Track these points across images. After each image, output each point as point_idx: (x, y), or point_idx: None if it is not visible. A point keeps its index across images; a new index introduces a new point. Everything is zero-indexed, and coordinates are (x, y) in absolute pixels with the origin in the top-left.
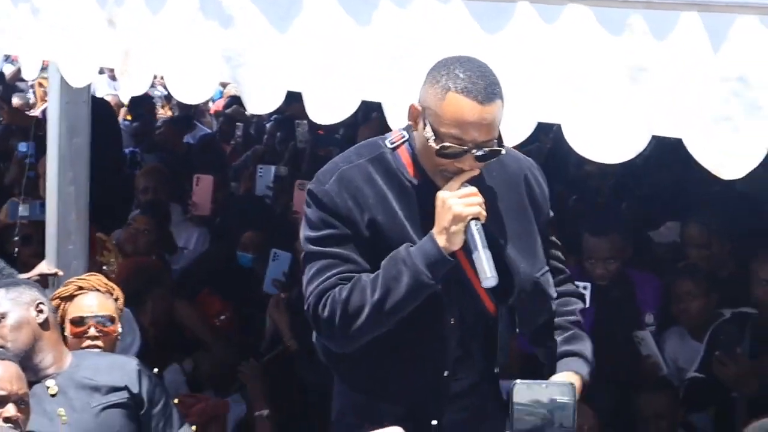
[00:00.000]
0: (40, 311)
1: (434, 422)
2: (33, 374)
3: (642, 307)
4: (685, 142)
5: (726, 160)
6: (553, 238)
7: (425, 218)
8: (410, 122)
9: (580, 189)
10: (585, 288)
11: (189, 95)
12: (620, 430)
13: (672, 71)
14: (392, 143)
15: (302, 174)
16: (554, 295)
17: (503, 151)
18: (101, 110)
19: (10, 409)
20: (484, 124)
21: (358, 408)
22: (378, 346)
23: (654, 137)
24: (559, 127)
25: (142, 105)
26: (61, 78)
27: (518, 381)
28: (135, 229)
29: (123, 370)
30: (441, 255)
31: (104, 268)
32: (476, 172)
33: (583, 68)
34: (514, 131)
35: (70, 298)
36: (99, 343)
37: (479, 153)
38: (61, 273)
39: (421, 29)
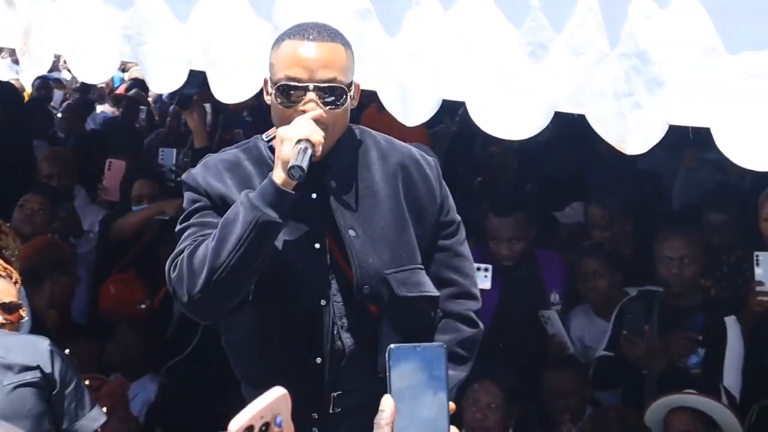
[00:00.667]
0: None
1: (314, 415)
2: None
3: (547, 286)
4: (588, 118)
5: (629, 136)
6: (453, 246)
7: None
8: (264, 100)
9: (484, 171)
10: (486, 270)
11: (91, 75)
12: (526, 409)
13: (572, 48)
14: (267, 136)
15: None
16: (429, 294)
17: (348, 91)
18: (7, 94)
19: None
20: (318, 60)
21: (250, 399)
22: (254, 333)
23: (558, 118)
24: (465, 109)
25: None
26: None
27: (392, 345)
28: (30, 209)
29: (35, 349)
30: (274, 186)
31: (3, 252)
32: (320, 112)
33: (486, 46)
34: (420, 109)
35: None
36: (5, 330)
37: (318, 87)
38: None
39: (319, 10)
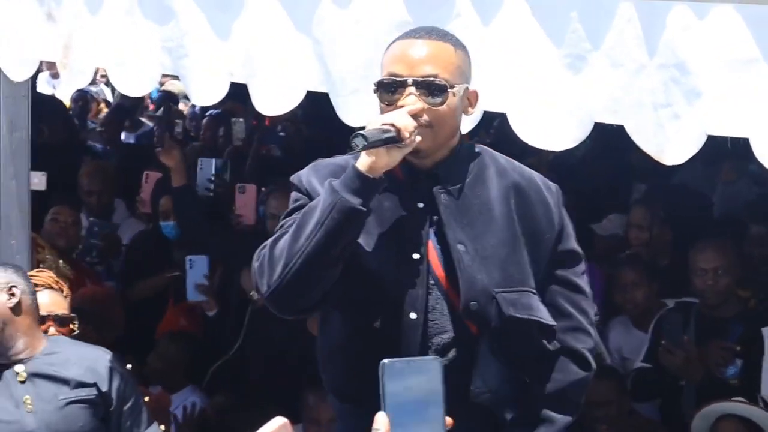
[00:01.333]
0: (12, 294)
1: None
2: (4, 358)
3: None
4: (627, 129)
5: (667, 146)
6: (571, 279)
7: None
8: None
9: None
10: None
11: (132, 87)
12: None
13: (611, 60)
14: None
15: (243, 175)
16: (541, 321)
17: (451, 88)
18: (53, 109)
19: None
20: (420, 56)
21: (336, 411)
22: (340, 341)
23: (596, 131)
24: (499, 122)
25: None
26: (1, 72)
27: (385, 359)
28: (64, 223)
29: (94, 364)
30: (355, 171)
31: (41, 265)
32: (419, 106)
33: (525, 58)
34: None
35: None
36: (67, 338)
37: (417, 82)
38: None
39: (360, 24)
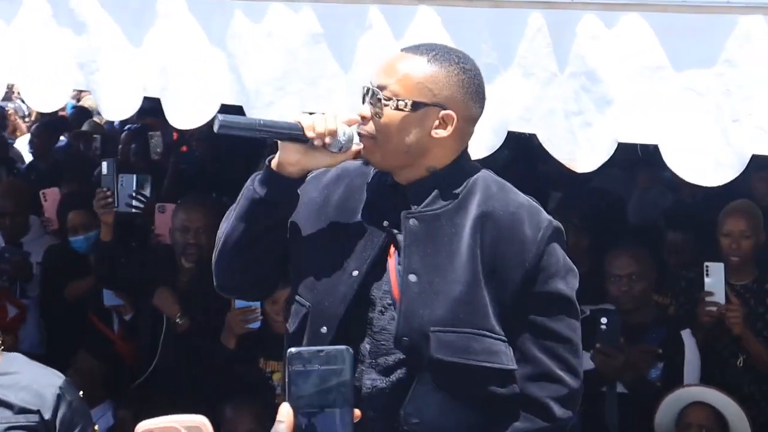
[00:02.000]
0: None
1: None
2: None
3: None
4: (539, 137)
5: (578, 154)
6: (544, 323)
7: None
8: None
9: None
10: None
11: (44, 103)
12: None
13: (523, 69)
14: None
15: (162, 194)
16: (476, 364)
17: (393, 101)
18: None
19: None
20: (383, 64)
21: None
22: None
23: (513, 140)
24: None
25: None
26: None
27: (292, 348)
28: None
29: (43, 390)
30: (267, 164)
31: None
32: (352, 117)
33: None
34: None
35: None
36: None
37: (366, 89)
38: None
39: (273, 36)
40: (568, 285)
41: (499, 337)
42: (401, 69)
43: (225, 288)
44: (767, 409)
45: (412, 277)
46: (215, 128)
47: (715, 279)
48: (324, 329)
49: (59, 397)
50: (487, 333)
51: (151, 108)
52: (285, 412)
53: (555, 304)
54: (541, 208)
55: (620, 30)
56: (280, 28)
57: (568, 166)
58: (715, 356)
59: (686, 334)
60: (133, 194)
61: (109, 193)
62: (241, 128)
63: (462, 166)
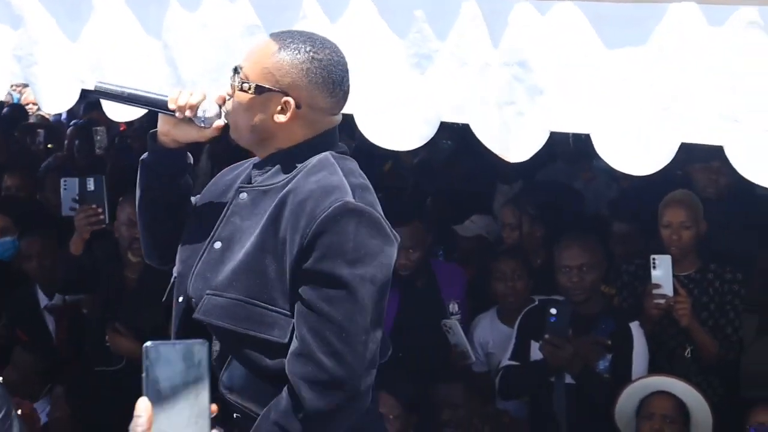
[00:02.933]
0: None
1: None
2: None
3: (446, 297)
4: (472, 127)
5: (511, 144)
6: (313, 302)
7: None
8: None
9: (382, 188)
10: None
11: None
12: (424, 419)
13: (457, 58)
14: None
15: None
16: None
17: (240, 83)
18: None
19: None
20: (248, 49)
21: None
22: None
23: (457, 132)
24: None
25: None
26: None
27: (148, 342)
28: None
29: None
30: (149, 135)
31: None
32: (221, 94)
33: (372, 58)
34: None
35: None
36: None
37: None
38: None
39: (209, 27)
40: (355, 269)
41: (276, 309)
42: (254, 54)
43: (146, 256)
44: (714, 398)
45: (217, 244)
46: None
47: (662, 271)
48: (180, 299)
49: None
50: (260, 303)
51: (98, 101)
52: (143, 407)
53: (329, 286)
54: (348, 191)
55: (552, 18)
56: (216, 19)
57: (501, 156)
58: (663, 347)
59: (635, 326)
60: (76, 198)
61: (100, 210)
62: (114, 95)
63: (308, 148)
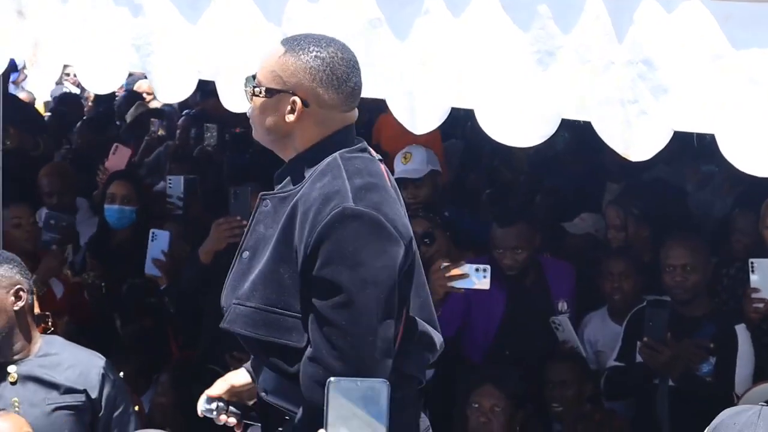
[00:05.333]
0: (19, 297)
1: None
2: (1, 358)
3: (555, 294)
4: (594, 125)
5: (634, 143)
6: (321, 309)
7: None
8: None
9: (493, 184)
10: (485, 270)
11: (99, 85)
12: (531, 413)
13: (579, 56)
14: None
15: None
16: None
17: (253, 88)
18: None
19: None
20: (261, 56)
21: None
22: None
23: (572, 128)
24: (473, 123)
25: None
26: None
27: (332, 378)
28: (27, 224)
29: (87, 371)
30: None
31: None
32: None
33: (494, 53)
34: (428, 117)
35: None
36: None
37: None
38: None
39: (330, 20)
40: (356, 273)
41: (292, 314)
42: (264, 59)
43: None
44: None
45: (245, 254)
46: None
47: (761, 275)
48: (223, 304)
49: (104, 377)
50: (277, 309)
51: (211, 91)
52: None
53: (332, 292)
54: (348, 195)
55: (680, 16)
56: (339, 11)
57: (622, 155)
58: (765, 351)
59: (740, 329)
60: (181, 196)
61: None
62: None
63: (320, 150)
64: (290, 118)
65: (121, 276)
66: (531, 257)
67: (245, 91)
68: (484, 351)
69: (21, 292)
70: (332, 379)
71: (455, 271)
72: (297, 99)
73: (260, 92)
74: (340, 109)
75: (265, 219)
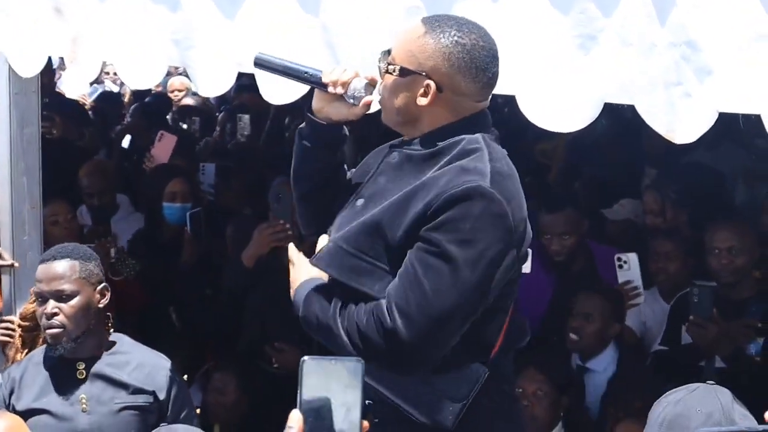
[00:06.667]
0: (103, 296)
1: None
2: (73, 353)
3: (605, 278)
4: (638, 109)
5: (678, 126)
6: (413, 265)
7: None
8: None
9: (532, 170)
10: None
11: (139, 81)
12: (574, 399)
13: (622, 39)
14: None
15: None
16: (344, 280)
17: (387, 65)
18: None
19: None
20: (398, 32)
21: None
22: None
23: (610, 114)
24: (510, 110)
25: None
26: (9, 68)
27: (306, 357)
28: (65, 221)
29: (155, 372)
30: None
31: None
32: (372, 75)
33: (535, 38)
34: None
35: None
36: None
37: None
38: (17, 264)
39: (370, 9)
40: (462, 250)
41: (381, 264)
42: (402, 37)
43: (304, 226)
44: None
45: (359, 202)
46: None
47: None
48: None
49: (171, 379)
50: (368, 257)
51: (249, 85)
52: (295, 419)
53: (432, 254)
54: (487, 176)
55: None
56: (377, 1)
57: (666, 137)
58: None
59: None
60: (213, 183)
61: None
62: (272, 67)
63: (450, 132)
64: (422, 101)
65: (169, 269)
66: (579, 243)
67: (378, 67)
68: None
69: (106, 291)
70: (306, 357)
71: None
72: (432, 83)
73: (394, 70)
74: (475, 98)
75: (388, 171)
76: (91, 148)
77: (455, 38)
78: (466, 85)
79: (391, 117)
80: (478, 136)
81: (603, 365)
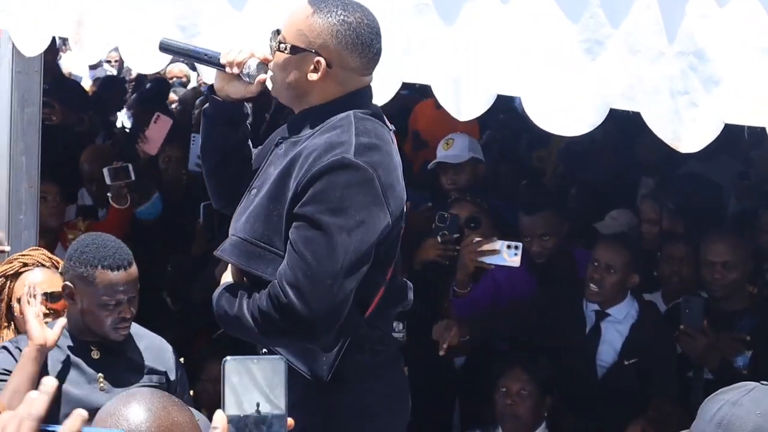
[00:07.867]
0: None
1: None
2: (90, 335)
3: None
4: (643, 116)
5: (683, 134)
6: (291, 239)
7: None
8: None
9: (529, 174)
10: (516, 247)
11: (144, 65)
12: (557, 398)
13: (629, 46)
14: None
15: None
16: (242, 266)
17: (277, 44)
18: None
19: None
20: (286, 13)
21: None
22: None
23: (606, 121)
24: (507, 116)
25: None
26: (13, 47)
27: (228, 357)
28: (53, 201)
29: (162, 354)
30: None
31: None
32: (263, 54)
33: (542, 41)
34: (473, 104)
35: (16, 275)
36: (48, 319)
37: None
38: (8, 249)
39: (380, 4)
40: (334, 218)
41: (273, 249)
42: (291, 17)
43: (214, 202)
44: None
45: (253, 192)
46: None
47: None
48: None
49: (176, 361)
50: (260, 243)
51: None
52: (219, 418)
53: (308, 227)
54: (351, 149)
55: (731, 9)
56: None
57: (672, 146)
58: None
59: None
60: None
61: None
62: (176, 51)
63: (337, 105)
64: (313, 77)
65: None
66: (559, 246)
67: (270, 45)
68: (514, 337)
69: None
70: (228, 358)
71: (486, 246)
72: (322, 60)
73: (285, 48)
74: (361, 72)
75: (276, 161)
76: (90, 132)
77: (341, 17)
78: (353, 60)
79: (282, 92)
80: (349, 113)
81: (623, 313)
